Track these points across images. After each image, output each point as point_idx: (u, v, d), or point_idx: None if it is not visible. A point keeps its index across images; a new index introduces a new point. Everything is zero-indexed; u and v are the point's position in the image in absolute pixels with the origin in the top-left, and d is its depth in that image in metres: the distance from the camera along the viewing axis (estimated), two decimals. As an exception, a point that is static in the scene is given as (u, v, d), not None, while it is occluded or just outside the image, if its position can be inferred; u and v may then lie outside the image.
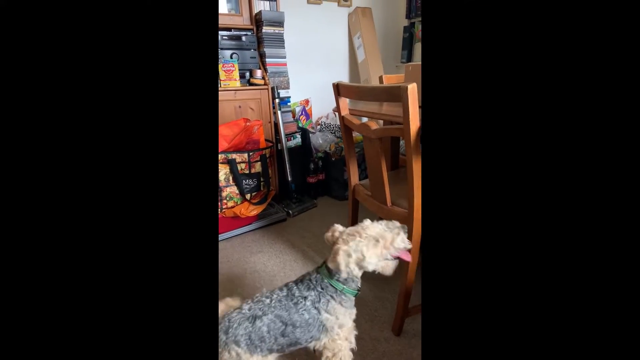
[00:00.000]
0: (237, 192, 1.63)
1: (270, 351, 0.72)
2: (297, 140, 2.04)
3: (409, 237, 0.90)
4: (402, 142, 1.58)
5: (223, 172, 1.59)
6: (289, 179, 1.90)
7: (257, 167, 1.65)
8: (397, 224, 0.77)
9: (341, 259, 0.71)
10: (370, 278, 1.28)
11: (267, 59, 1.88)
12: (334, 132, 2.22)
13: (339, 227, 0.79)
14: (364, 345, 0.96)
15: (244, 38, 1.81)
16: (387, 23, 2.62)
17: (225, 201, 1.63)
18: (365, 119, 1.02)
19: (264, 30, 1.83)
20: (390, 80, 1.48)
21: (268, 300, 0.73)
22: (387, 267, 0.77)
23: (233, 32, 1.80)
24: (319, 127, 2.31)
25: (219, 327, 0.69)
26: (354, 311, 0.80)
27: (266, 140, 1.78)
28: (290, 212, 1.84)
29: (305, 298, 0.73)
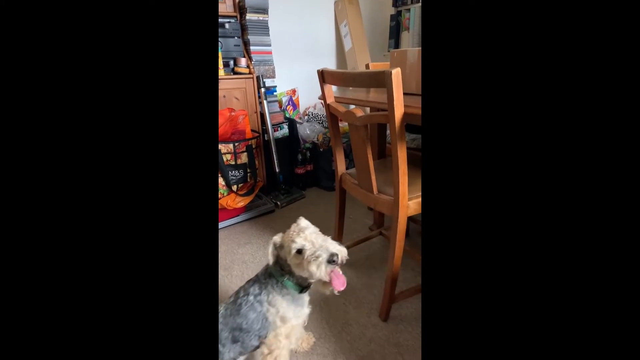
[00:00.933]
0: (223, 183, 1.61)
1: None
2: (285, 130, 2.01)
3: (395, 225, 0.90)
4: (389, 132, 1.58)
5: (208, 163, 1.56)
6: (277, 170, 1.88)
7: (244, 158, 1.62)
8: (330, 248, 0.70)
9: (269, 248, 0.73)
10: (357, 265, 1.29)
11: (251, 47, 1.83)
12: (322, 123, 2.20)
13: (301, 222, 0.79)
14: (351, 331, 0.98)
15: (227, 25, 1.75)
16: (373, 11, 2.59)
17: (211, 193, 1.60)
18: (352, 107, 1.01)
19: (247, 17, 1.78)
20: (376, 67, 1.47)
21: (222, 310, 0.74)
22: (323, 287, 0.71)
23: (216, 19, 1.74)
24: (306, 117, 2.28)
25: None
26: (304, 310, 0.77)
27: (252, 130, 1.75)
28: (278, 203, 1.83)
29: (248, 294, 0.74)
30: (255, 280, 0.77)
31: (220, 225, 1.63)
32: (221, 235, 1.59)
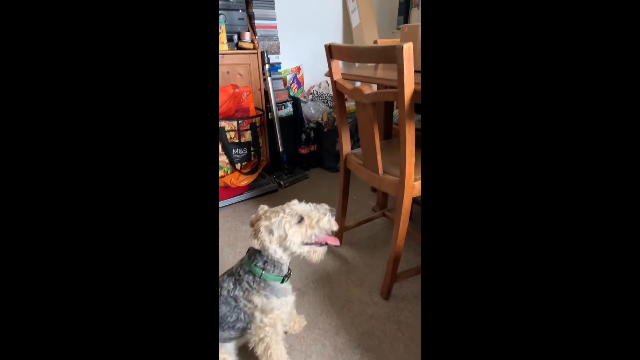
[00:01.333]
0: (227, 161, 1.60)
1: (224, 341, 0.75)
2: (289, 109, 1.98)
3: (400, 206, 0.90)
4: (395, 112, 1.54)
5: (212, 141, 1.55)
6: (280, 149, 1.86)
7: (247, 136, 1.61)
8: (326, 206, 0.73)
9: (263, 235, 0.67)
10: (359, 245, 1.30)
11: (256, 21, 1.77)
12: (327, 102, 2.16)
13: (264, 207, 0.75)
14: (353, 307, 0.99)
15: (231, -3, 1.69)
16: (383, -15, 2.47)
17: (215, 171, 1.60)
18: (359, 84, 0.98)
19: (252, -11, 1.71)
20: (384, 43, 1.41)
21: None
22: (315, 253, 0.71)
23: (219, -10, 1.67)
24: (311, 96, 2.24)
25: None
26: (287, 299, 0.75)
27: (256, 108, 1.73)
28: (281, 183, 1.82)
29: (222, 288, 0.72)
30: (230, 274, 0.75)
31: (224, 203, 1.64)
32: (225, 212, 1.60)
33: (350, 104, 1.96)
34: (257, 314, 0.71)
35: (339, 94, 1.05)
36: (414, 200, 0.95)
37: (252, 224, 0.72)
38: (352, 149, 1.17)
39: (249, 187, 1.71)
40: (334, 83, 1.02)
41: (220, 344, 0.75)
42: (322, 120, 2.05)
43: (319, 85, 2.29)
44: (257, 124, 1.65)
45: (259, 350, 0.73)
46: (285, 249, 0.70)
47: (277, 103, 1.85)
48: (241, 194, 1.69)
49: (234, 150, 1.59)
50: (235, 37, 1.74)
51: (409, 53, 0.71)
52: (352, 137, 1.83)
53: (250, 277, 0.71)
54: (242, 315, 0.72)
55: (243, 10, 1.73)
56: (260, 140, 1.71)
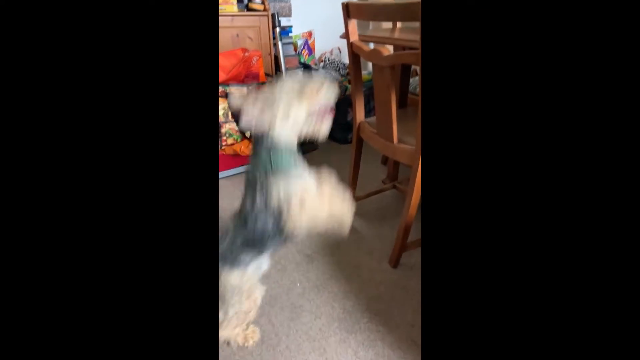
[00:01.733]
0: (236, 129, 1.58)
1: (245, 264, 0.70)
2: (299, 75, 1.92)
3: (414, 175, 0.88)
4: (412, 80, 1.48)
5: (221, 106, 1.52)
6: (290, 118, 1.83)
7: (257, 104, 1.57)
8: (320, 77, 0.67)
9: (265, 112, 0.60)
10: (368, 216, 1.30)
11: (267, -20, 1.67)
12: (339, 70, 2.08)
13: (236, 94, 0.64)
14: (361, 274, 1.01)
15: (240, -48, 1.58)
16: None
17: (224, 138, 1.58)
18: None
19: (263, -57, 1.59)
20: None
21: (230, 221, 0.71)
22: (322, 124, 0.65)
23: (228, -56, 1.57)
24: (322, 63, 2.16)
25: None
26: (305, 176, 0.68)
27: (266, 74, 1.67)
28: (291, 152, 1.81)
29: (252, 199, 0.65)
30: (249, 184, 0.67)
31: (233, 171, 1.64)
32: (234, 181, 1.60)
33: (364, 72, 1.88)
34: (292, 199, 0.62)
35: (355, 58, 1.00)
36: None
37: (235, 109, 0.64)
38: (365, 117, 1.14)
39: (259, 156, 1.70)
40: (350, 45, 0.97)
41: (244, 273, 0.70)
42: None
43: (331, 52, 2.20)
44: (267, 91, 1.61)
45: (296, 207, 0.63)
46: (289, 129, 0.63)
47: (287, 69, 1.79)
48: (251, 162, 1.69)
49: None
50: (245, -3, 1.66)
51: (435, 9, 0.66)
52: (365, 106, 1.78)
53: (264, 170, 0.63)
54: (274, 212, 0.63)
55: (253, -32, 1.63)
56: (270, 108, 1.67)
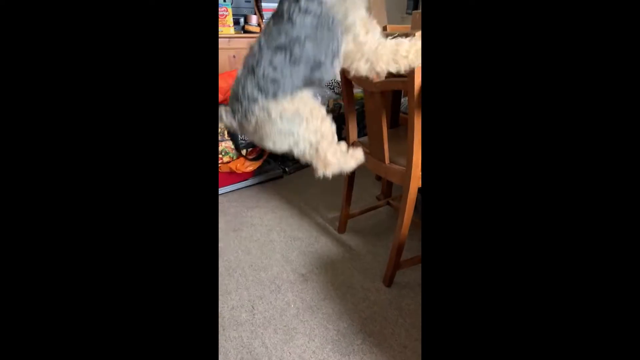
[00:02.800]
0: (232, 147, 1.60)
1: (294, 88, 0.58)
2: (295, 95, 1.96)
3: (405, 195, 0.90)
4: (403, 100, 1.52)
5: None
6: (286, 135, 1.86)
7: (253, 122, 1.60)
8: None
9: None
10: (363, 233, 1.32)
11: (263, 4, 1.73)
12: (333, 89, 2.13)
13: None
14: (355, 294, 1.02)
15: (237, -22, 1.64)
16: (394, -33, 2.39)
17: (220, 156, 1.60)
18: (367, 72, 0.97)
19: (259, -31, 1.66)
20: (395, 30, 1.38)
21: (256, 47, 0.58)
22: None
23: (225, -30, 1.63)
24: (317, 82, 2.21)
25: (230, 105, 0.58)
26: None
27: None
28: (286, 169, 1.83)
29: (297, 2, 0.53)
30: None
31: (229, 188, 1.66)
32: (230, 198, 1.61)
33: (357, 91, 1.93)
34: (354, 19, 0.55)
35: (347, 82, 1.04)
36: (419, 190, 0.95)
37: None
38: (358, 136, 1.17)
39: (254, 173, 1.72)
40: (342, 70, 1.01)
41: (296, 97, 0.59)
42: (327, 106, 2.03)
43: (326, 71, 2.26)
44: (263, 110, 1.64)
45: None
46: None
47: (283, 89, 1.83)
48: (246, 179, 1.70)
49: (240, 135, 1.59)
50: (242, 20, 1.71)
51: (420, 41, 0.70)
52: (358, 124, 1.81)
53: None
54: (331, 25, 0.55)
55: (250, -8, 1.70)
56: (265, 127, 1.70)
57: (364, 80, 0.91)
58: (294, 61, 0.55)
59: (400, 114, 1.45)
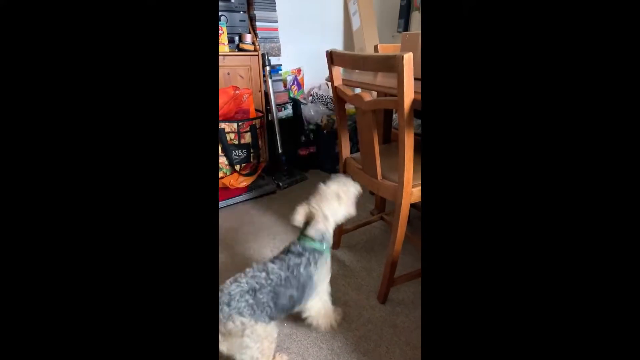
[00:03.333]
0: (226, 162, 1.61)
1: (272, 318, 0.76)
2: (288, 111, 1.99)
3: (398, 211, 0.91)
4: (395, 116, 1.56)
5: (212, 142, 1.55)
6: (280, 151, 1.87)
7: (247, 138, 1.61)
8: (342, 176, 0.93)
9: (322, 224, 0.84)
10: (357, 249, 1.31)
11: (257, 23, 1.78)
12: (327, 104, 2.17)
13: (303, 208, 0.85)
14: (350, 311, 1.01)
15: (232, -1, 1.69)
16: (384, -12, 2.48)
17: (214, 172, 1.61)
18: (358, 90, 0.99)
19: (254, -9, 1.71)
20: (386, 50, 1.43)
21: (264, 274, 0.76)
22: (352, 208, 0.91)
23: (221, -8, 1.67)
24: (311, 98, 2.24)
25: (219, 299, 0.71)
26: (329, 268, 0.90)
27: (256, 110, 1.73)
28: (280, 184, 1.83)
29: (298, 265, 0.80)
30: (298, 253, 0.82)
31: (223, 204, 1.65)
32: (223, 213, 1.60)
33: (349, 107, 1.97)
34: (320, 284, 0.86)
35: (340, 100, 1.06)
36: (412, 205, 0.96)
37: (304, 216, 0.85)
38: (351, 152, 1.18)
39: (248, 189, 1.72)
40: (335, 89, 1.03)
41: (273, 326, 0.77)
42: (321, 122, 2.05)
43: (319, 87, 2.30)
44: (257, 126, 1.66)
45: (324, 312, 0.90)
46: (335, 223, 0.88)
47: (277, 105, 1.86)
48: (240, 195, 1.70)
49: (233, 151, 1.60)
50: (237, 38, 1.75)
51: (409, 63, 0.72)
52: (351, 139, 1.84)
53: (317, 253, 0.84)
54: (311, 287, 0.83)
55: (244, 12, 1.74)
56: (259, 142, 1.72)
57: (355, 99, 0.93)
58: (286, 297, 0.78)
59: (393, 130, 1.48)
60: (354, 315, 0.99)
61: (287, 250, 0.84)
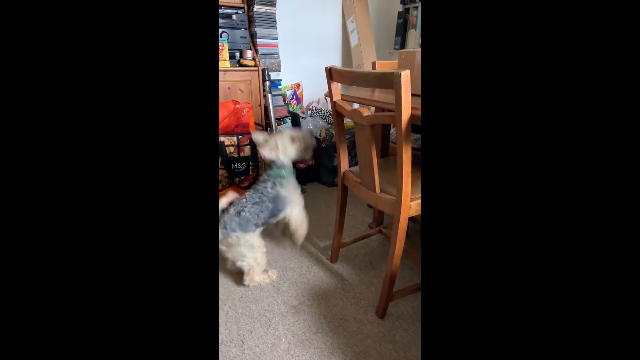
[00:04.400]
0: (225, 175, 1.61)
1: (257, 226, 1.13)
2: (288, 124, 2.01)
3: (396, 225, 0.91)
4: (392, 130, 1.58)
5: (211, 155, 1.57)
6: (279, 163, 1.89)
7: (246, 151, 1.63)
8: (304, 130, 1.26)
9: (272, 152, 1.15)
10: (355, 262, 1.31)
11: (258, 40, 1.82)
12: (325, 118, 2.20)
13: (263, 135, 1.17)
14: (348, 326, 0.99)
15: (234, 16, 1.74)
16: (381, 8, 2.57)
17: (213, 184, 1.61)
18: (356, 106, 1.01)
19: (255, 9, 1.76)
20: (383, 66, 1.46)
21: (244, 200, 1.13)
22: (305, 155, 1.22)
23: (223, 10, 1.73)
24: (309, 112, 2.28)
25: (219, 225, 1.07)
26: (299, 189, 1.22)
27: (256, 123, 1.75)
28: (279, 197, 1.84)
29: (265, 187, 1.14)
30: (264, 180, 1.17)
31: (221, 217, 1.65)
32: (221, 226, 1.60)
33: (347, 121, 2.00)
34: (293, 199, 1.19)
35: (339, 115, 1.08)
36: (410, 219, 0.96)
37: (260, 144, 1.15)
38: (349, 166, 1.19)
39: (247, 201, 1.72)
40: (334, 104, 1.06)
41: (255, 234, 1.14)
42: (320, 135, 2.08)
43: (318, 102, 2.34)
44: (257, 139, 1.68)
45: (301, 221, 1.24)
46: (287, 156, 1.17)
47: (276, 119, 1.89)
48: (238, 207, 1.70)
49: (233, 164, 1.61)
50: (237, 54, 1.79)
51: (407, 80, 0.74)
52: (349, 152, 1.86)
53: (280, 177, 1.16)
54: (283, 201, 1.16)
55: (245, 29, 1.79)
56: (259, 155, 1.73)
57: (354, 114, 0.95)
58: (262, 211, 1.12)
59: (391, 144, 1.50)
60: (352, 331, 0.98)
61: (258, 182, 1.19)
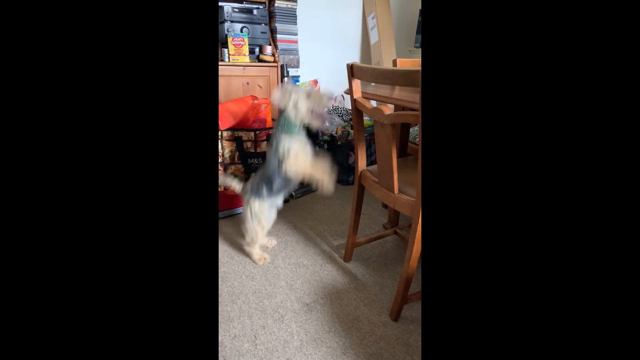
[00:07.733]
0: (242, 169, 1.62)
1: (269, 190, 1.21)
2: (304, 121, 2.01)
3: (415, 227, 0.89)
4: (412, 130, 1.55)
5: (229, 149, 1.58)
6: (294, 160, 1.88)
7: (263, 147, 1.63)
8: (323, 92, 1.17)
9: (284, 98, 1.13)
10: (369, 263, 1.29)
11: (277, 35, 1.82)
12: (342, 116, 2.18)
13: (278, 89, 1.17)
14: (361, 327, 0.98)
15: (255, 11, 1.74)
16: (402, 5, 2.52)
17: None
18: (374, 103, 0.99)
19: (276, 4, 1.76)
20: (404, 64, 1.43)
21: (268, 166, 1.18)
22: (315, 121, 1.16)
23: (244, 5, 1.73)
24: (326, 109, 2.26)
25: (245, 200, 1.25)
26: (308, 145, 1.21)
27: (273, 120, 1.75)
28: (293, 194, 1.84)
29: (275, 134, 1.16)
30: (270, 140, 1.20)
31: (236, 211, 1.66)
32: (236, 221, 1.61)
33: (366, 118, 1.97)
34: (289, 150, 1.15)
35: (358, 112, 1.07)
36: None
37: (276, 91, 1.17)
38: (366, 164, 1.18)
39: (261, 197, 1.72)
40: (354, 101, 1.04)
41: (263, 202, 1.23)
42: (336, 133, 2.06)
43: (335, 99, 2.32)
44: (273, 135, 1.68)
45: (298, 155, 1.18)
46: (297, 111, 1.13)
47: (293, 115, 1.88)
48: (253, 203, 1.71)
49: (249, 159, 1.61)
50: (257, 49, 1.79)
51: (433, 78, 0.72)
52: (367, 149, 1.84)
53: (285, 123, 1.15)
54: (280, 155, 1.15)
55: (266, 24, 1.79)
56: (275, 151, 1.73)
57: (374, 111, 0.93)
58: (267, 169, 1.20)
59: (409, 144, 1.47)
60: (365, 332, 0.97)
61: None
